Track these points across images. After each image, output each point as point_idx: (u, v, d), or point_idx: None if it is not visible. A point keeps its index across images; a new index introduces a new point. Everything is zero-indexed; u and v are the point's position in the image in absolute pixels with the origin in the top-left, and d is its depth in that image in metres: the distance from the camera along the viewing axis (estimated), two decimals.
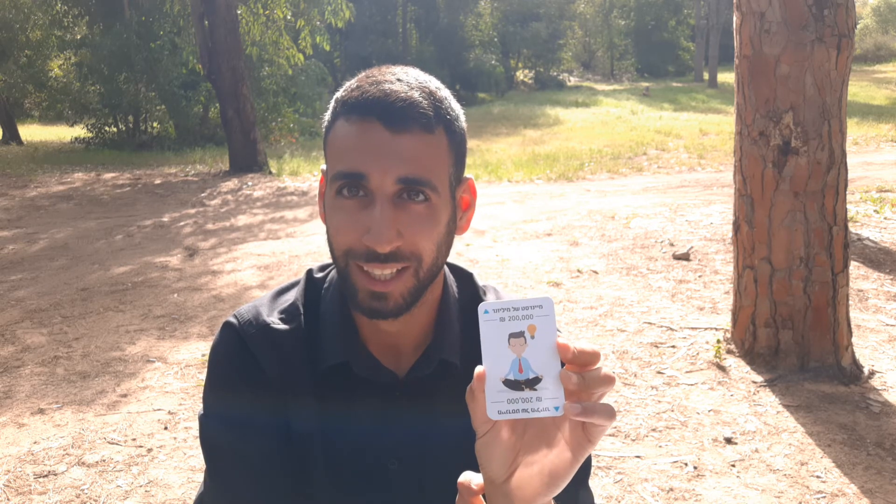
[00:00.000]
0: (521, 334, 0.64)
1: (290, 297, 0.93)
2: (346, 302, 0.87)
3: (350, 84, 0.82)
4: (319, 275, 0.95)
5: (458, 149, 0.83)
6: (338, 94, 0.82)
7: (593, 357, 0.64)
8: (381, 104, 0.76)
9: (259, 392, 0.87)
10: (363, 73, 0.82)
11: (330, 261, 0.91)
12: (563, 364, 0.64)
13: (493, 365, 0.65)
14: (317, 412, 0.88)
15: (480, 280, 0.98)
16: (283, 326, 0.89)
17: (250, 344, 0.88)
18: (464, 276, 0.97)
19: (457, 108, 0.84)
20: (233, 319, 0.90)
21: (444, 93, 0.82)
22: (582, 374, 0.63)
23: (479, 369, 0.65)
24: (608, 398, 0.66)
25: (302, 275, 0.96)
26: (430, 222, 0.79)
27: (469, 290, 0.96)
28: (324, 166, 0.85)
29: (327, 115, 0.83)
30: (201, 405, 0.92)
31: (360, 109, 0.78)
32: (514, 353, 0.64)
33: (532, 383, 0.64)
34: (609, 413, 0.63)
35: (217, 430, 0.88)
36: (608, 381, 0.64)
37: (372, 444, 0.88)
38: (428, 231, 0.79)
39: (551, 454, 0.67)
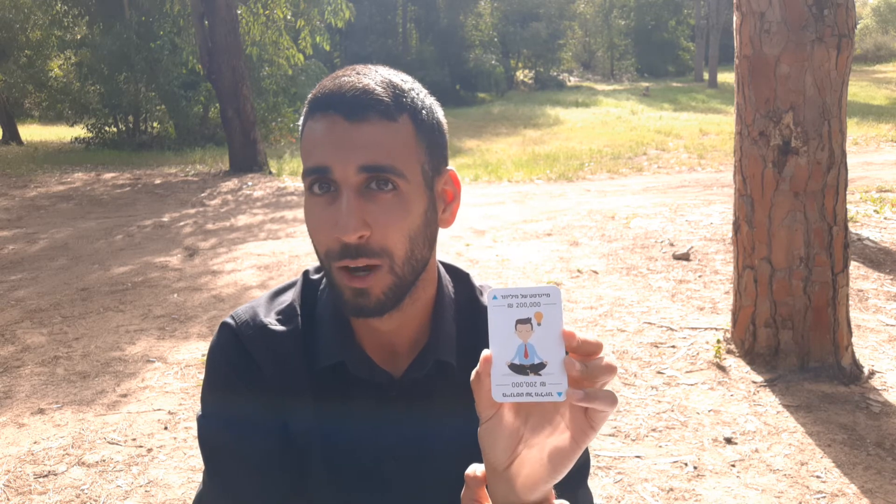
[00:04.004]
0: (527, 321, 0.65)
1: (287, 297, 0.93)
2: None
3: (317, 86, 0.83)
4: (316, 276, 0.95)
5: (430, 139, 0.82)
6: (307, 98, 0.83)
7: (597, 347, 0.65)
8: (337, 96, 0.78)
9: (257, 392, 0.87)
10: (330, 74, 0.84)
11: None
12: (567, 352, 0.65)
13: (500, 349, 0.66)
14: (314, 413, 0.88)
15: (477, 280, 0.98)
16: (280, 328, 0.89)
17: (248, 345, 0.88)
18: (460, 277, 0.97)
19: (428, 100, 0.84)
20: (230, 320, 0.90)
21: (411, 85, 0.83)
22: (585, 362, 0.64)
23: (485, 353, 0.66)
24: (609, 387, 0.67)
25: (299, 276, 0.96)
26: (400, 212, 0.78)
27: (466, 291, 0.95)
28: None
29: (300, 121, 0.84)
30: (199, 405, 0.92)
31: (320, 106, 0.79)
32: (521, 339, 0.65)
33: (537, 368, 0.65)
34: (611, 399, 0.64)
35: (215, 431, 0.88)
36: (610, 370, 0.65)
37: (368, 444, 0.88)
38: (397, 221, 0.78)
39: (554, 440, 0.67)
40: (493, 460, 0.68)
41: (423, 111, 0.82)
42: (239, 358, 0.88)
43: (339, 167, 0.76)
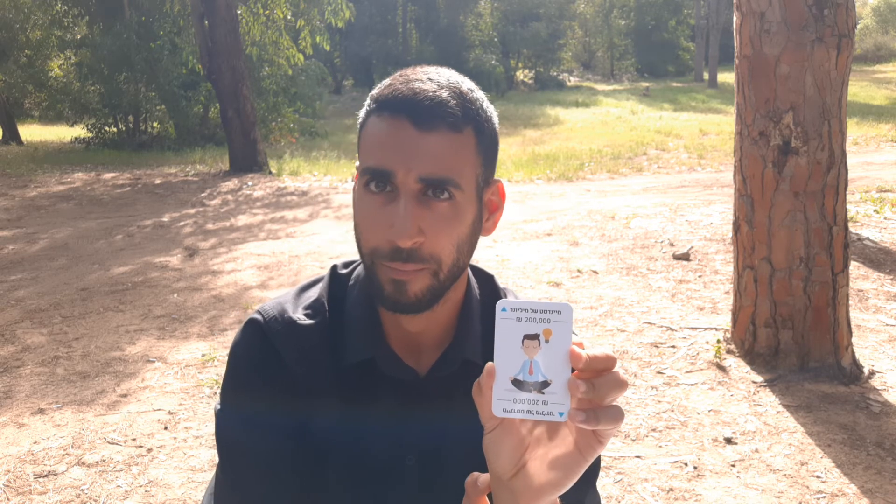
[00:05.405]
0: (536, 337, 0.65)
1: (314, 293, 0.94)
2: (372, 299, 0.88)
3: (384, 82, 0.84)
4: (344, 271, 0.96)
5: (487, 150, 0.84)
6: (373, 92, 0.84)
7: (607, 362, 0.64)
8: (410, 102, 0.78)
9: (279, 390, 0.88)
10: (398, 72, 0.85)
11: (354, 258, 0.93)
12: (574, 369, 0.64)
13: (504, 363, 0.65)
14: (337, 408, 0.88)
15: (501, 282, 1.00)
16: (308, 322, 0.90)
17: (275, 340, 0.88)
18: (485, 278, 0.98)
19: (490, 109, 0.85)
20: (257, 316, 0.91)
21: (478, 94, 0.84)
22: (592, 381, 0.63)
23: (489, 365, 0.66)
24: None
25: (326, 271, 0.97)
26: (452, 221, 0.80)
27: (491, 292, 0.97)
28: (358, 163, 0.87)
29: (362, 112, 0.85)
30: (218, 399, 0.92)
31: (390, 107, 0.80)
32: (527, 355, 0.65)
33: (540, 386, 0.64)
34: (616, 416, 0.63)
35: (231, 427, 0.89)
36: (620, 386, 0.63)
37: (390, 440, 0.89)
38: (449, 229, 0.80)
39: (560, 452, 0.67)
40: (498, 469, 0.68)
41: (486, 123, 0.83)
42: (263, 355, 0.88)
43: (402, 173, 0.78)
